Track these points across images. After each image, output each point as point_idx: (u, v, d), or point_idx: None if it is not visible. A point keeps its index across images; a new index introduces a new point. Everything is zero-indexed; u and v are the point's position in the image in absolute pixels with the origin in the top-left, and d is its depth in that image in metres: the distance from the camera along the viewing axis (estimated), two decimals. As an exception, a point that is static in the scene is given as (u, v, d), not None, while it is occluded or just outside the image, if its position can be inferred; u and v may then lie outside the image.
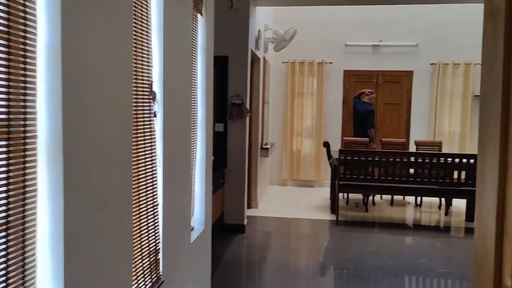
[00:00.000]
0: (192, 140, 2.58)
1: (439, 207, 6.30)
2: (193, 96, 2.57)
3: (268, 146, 6.25)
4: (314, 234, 5.16)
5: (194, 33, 2.55)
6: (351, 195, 6.15)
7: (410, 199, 6.48)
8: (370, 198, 6.20)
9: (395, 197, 6.41)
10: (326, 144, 6.10)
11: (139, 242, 1.81)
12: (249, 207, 5.87)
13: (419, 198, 6.26)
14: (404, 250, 4.71)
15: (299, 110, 7.75)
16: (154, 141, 1.96)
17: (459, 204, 6.19)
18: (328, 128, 7.76)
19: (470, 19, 7.41)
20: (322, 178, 7.77)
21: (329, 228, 5.29)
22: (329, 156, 6.03)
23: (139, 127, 1.78)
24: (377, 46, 7.61)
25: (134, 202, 1.73)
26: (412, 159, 5.18)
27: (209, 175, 2.98)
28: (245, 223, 5.01)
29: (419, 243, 4.86)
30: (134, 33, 1.68)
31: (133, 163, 1.71)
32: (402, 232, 5.27)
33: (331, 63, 7.66)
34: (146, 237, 1.89)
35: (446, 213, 5.90)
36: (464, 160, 5.14)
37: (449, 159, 5.12)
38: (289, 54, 7.68)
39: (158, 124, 2.00)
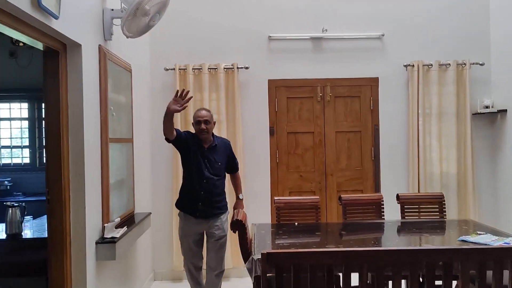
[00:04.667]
0: None
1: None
2: None
3: (117, 235, 2.94)
4: None
5: None
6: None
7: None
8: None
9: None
10: (237, 224, 2.88)
11: None
12: None
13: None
14: None
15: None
16: None
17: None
18: (249, 178, 4.62)
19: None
20: (241, 263, 4.54)
21: None
22: (246, 253, 2.79)
23: None
24: (320, 39, 4.68)
25: None
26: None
27: None
28: None
29: None
30: None
31: None
32: None
33: (247, 68, 4.60)
34: None
35: None
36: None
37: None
38: (175, 56, 4.54)
39: None
